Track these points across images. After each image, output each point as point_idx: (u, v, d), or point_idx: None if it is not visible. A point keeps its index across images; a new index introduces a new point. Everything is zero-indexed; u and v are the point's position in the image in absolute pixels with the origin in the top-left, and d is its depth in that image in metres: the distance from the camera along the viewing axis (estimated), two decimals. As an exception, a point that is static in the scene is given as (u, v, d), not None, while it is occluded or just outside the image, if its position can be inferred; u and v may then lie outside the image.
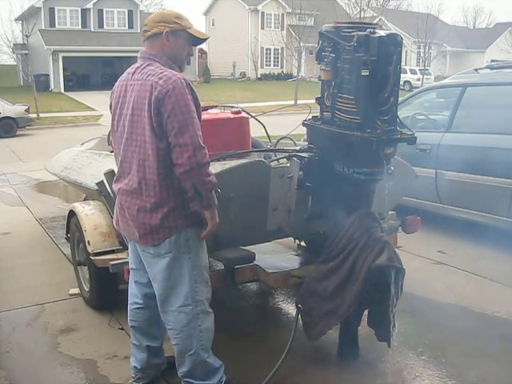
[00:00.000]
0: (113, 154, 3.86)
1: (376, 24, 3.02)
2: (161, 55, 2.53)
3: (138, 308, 2.81)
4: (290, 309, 3.91)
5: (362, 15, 30.46)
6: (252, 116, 4.23)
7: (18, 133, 16.77)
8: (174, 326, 2.60)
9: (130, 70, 2.59)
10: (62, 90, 30.82)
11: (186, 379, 2.68)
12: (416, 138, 2.76)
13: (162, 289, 2.58)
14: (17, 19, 34.14)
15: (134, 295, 2.83)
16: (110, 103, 2.68)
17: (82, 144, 5.95)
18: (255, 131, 4.24)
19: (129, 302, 2.85)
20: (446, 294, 4.11)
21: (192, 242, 2.54)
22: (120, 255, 3.46)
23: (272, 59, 40.37)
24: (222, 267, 3.18)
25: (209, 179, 2.41)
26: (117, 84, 2.63)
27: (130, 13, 34.64)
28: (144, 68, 2.49)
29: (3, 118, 16.39)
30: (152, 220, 2.47)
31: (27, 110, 17.25)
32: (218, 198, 2.50)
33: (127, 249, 3.39)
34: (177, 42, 2.56)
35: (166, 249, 2.51)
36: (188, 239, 2.53)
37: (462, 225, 5.37)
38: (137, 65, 2.56)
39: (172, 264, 2.53)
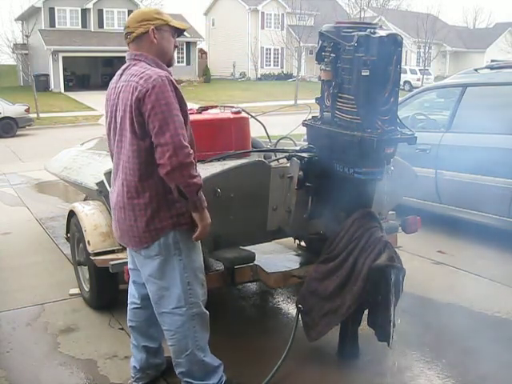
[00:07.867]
0: (113, 154, 3.83)
1: (376, 24, 3.01)
2: (146, 54, 2.49)
3: (135, 308, 2.82)
4: (290, 309, 3.91)
5: (362, 15, 30.53)
6: (252, 116, 4.22)
7: (18, 133, 16.77)
8: (169, 327, 2.59)
9: (118, 72, 2.57)
10: (62, 90, 30.83)
11: (185, 379, 2.67)
12: (416, 137, 2.76)
13: (154, 290, 2.57)
14: (17, 19, 34.20)
15: (132, 295, 2.84)
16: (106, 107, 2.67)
17: (82, 144, 5.95)
18: (255, 131, 4.23)
19: (128, 302, 2.86)
20: (446, 294, 4.11)
21: (182, 244, 2.49)
22: (120, 255, 3.46)
23: (272, 59, 40.36)
24: (222, 267, 3.18)
25: (193, 181, 2.32)
26: (108, 87, 2.62)
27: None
28: (129, 69, 2.48)
29: (3, 117, 16.41)
30: (137, 222, 2.45)
31: (27, 110, 17.26)
32: (217, 197, 2.47)
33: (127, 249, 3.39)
34: (163, 37, 2.53)
35: (156, 251, 2.48)
36: (177, 241, 2.48)
37: (461, 225, 5.36)
38: (124, 66, 2.54)
39: (163, 266, 2.50)
